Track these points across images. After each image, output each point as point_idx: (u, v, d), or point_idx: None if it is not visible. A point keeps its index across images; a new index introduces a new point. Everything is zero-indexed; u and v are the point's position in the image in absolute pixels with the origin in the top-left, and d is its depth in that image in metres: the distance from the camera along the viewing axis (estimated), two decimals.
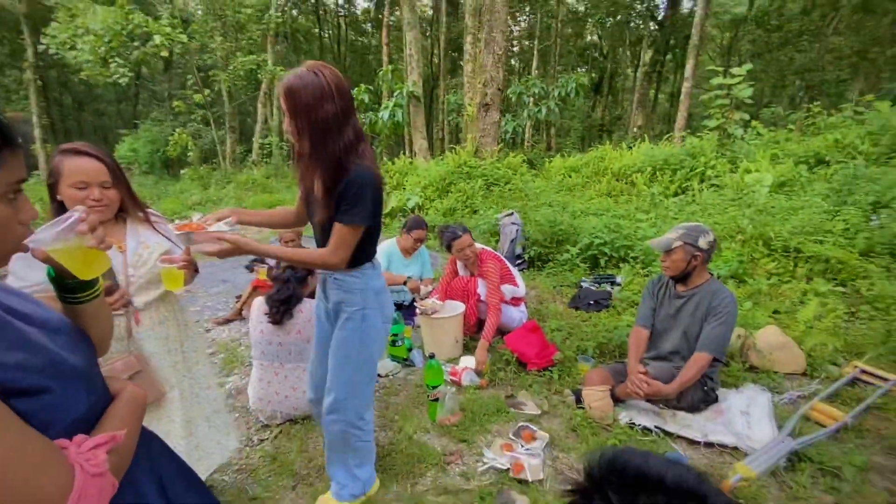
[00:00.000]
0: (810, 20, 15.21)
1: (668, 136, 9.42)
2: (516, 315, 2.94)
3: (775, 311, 2.92)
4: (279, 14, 11.52)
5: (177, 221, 1.39)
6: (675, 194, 5.65)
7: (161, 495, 0.83)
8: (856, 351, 2.50)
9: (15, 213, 0.66)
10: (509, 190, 6.49)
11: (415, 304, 3.05)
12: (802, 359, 2.42)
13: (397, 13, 15.33)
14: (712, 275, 2.24)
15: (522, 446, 1.97)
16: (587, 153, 8.09)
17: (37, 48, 12.53)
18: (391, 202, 6.70)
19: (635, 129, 14.93)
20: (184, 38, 9.17)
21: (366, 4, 23.25)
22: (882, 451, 1.87)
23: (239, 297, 3.89)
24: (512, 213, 4.63)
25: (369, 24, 24.58)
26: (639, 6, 15.80)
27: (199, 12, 10.89)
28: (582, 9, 18.44)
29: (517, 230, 4.48)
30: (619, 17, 15.80)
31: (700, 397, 2.14)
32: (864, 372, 2.27)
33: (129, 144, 14.12)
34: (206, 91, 12.61)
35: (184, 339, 1.57)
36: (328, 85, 1.29)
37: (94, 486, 0.61)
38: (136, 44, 8.95)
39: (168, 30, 8.85)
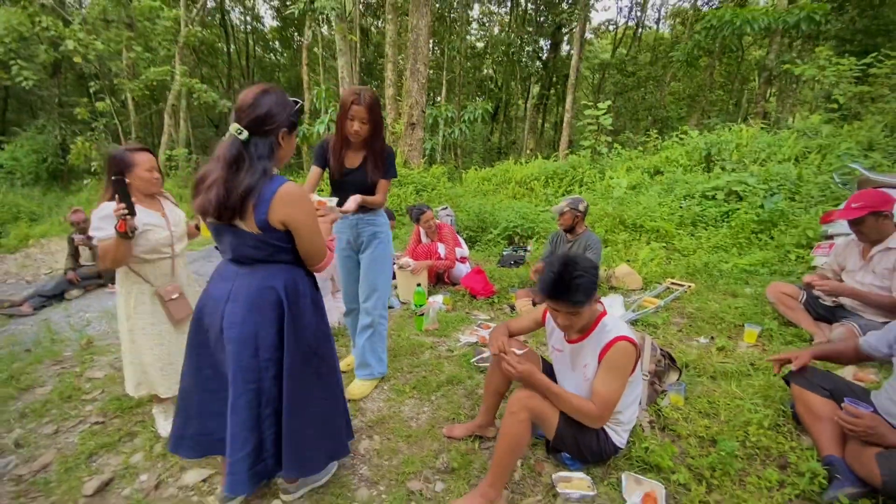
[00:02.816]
0: (655, 69, 19.20)
1: (554, 155, 11.51)
2: (463, 269, 4.08)
3: (627, 259, 4.46)
4: (198, 29, 11.60)
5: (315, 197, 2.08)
6: (563, 195, 7.34)
7: None
8: (670, 275, 4.07)
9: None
10: (436, 195, 7.70)
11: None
12: (640, 280, 3.92)
13: (307, 34, 15.97)
14: (587, 227, 3.61)
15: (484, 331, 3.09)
16: (495, 167, 9.70)
17: None
18: None
19: (528, 152, 17.31)
20: (99, 45, 8.96)
21: (274, 23, 23.40)
22: (677, 315, 3.32)
23: None
24: (446, 207, 5.81)
25: (277, 42, 24.65)
26: (528, 48, 18.51)
27: (112, 19, 10.50)
28: (481, 45, 20.90)
29: (451, 220, 5.65)
30: (512, 56, 18.32)
31: None
32: (672, 283, 3.80)
33: (9, 153, 12.63)
34: (110, 100, 12.05)
35: (193, 280, 2.39)
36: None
37: (332, 255, 1.59)
38: (43, 47, 8.49)
39: (81, 35, 8.61)
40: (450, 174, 10.69)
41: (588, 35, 18.84)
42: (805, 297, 2.86)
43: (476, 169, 9.87)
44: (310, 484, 1.86)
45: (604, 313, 1.78)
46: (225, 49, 20.58)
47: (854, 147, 5.59)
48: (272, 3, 21.81)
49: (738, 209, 4.76)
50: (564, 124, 13.60)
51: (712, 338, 2.91)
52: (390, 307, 3.75)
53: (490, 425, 2.12)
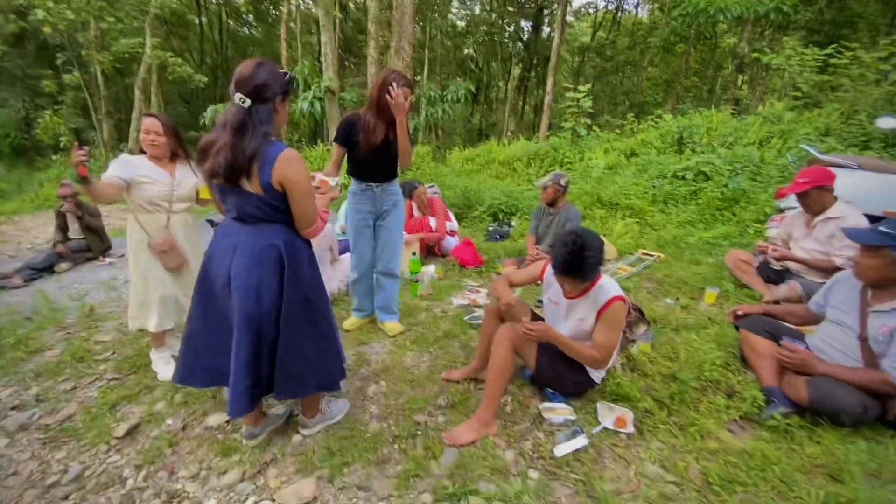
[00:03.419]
0: (633, 54, 19.56)
1: (535, 136, 11.77)
2: (453, 242, 4.33)
3: (604, 233, 4.80)
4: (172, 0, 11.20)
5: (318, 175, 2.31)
6: (544, 175, 7.64)
7: None
8: (641, 247, 4.42)
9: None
10: (421, 173, 7.88)
11: None
12: (615, 251, 4.26)
13: (282, 9, 15.61)
14: (567, 201, 3.89)
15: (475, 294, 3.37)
16: (478, 147, 9.91)
17: None
18: None
19: (509, 133, 17.52)
20: (70, 14, 8.61)
21: None
22: (647, 280, 3.68)
23: None
24: (433, 185, 6.01)
25: (251, 16, 23.84)
26: (509, 29, 18.57)
27: None
28: (463, 24, 20.79)
29: (438, 197, 5.86)
30: (493, 37, 18.35)
31: None
32: (644, 253, 4.16)
33: None
34: (80, 73, 11.60)
35: (199, 235, 2.61)
36: None
37: (322, 226, 1.80)
38: (13, 17, 8.10)
39: (51, 4, 8.26)
40: (433, 154, 10.84)
41: (569, 18, 18.97)
42: (758, 262, 3.23)
43: (460, 149, 10.04)
44: (326, 421, 2.11)
45: (600, 275, 2.06)
46: (196, 21, 19.82)
47: (812, 132, 6.04)
48: None
49: (705, 188, 5.14)
50: (545, 106, 13.83)
51: (677, 299, 3.26)
52: None
53: (484, 368, 2.39)
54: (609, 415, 2.01)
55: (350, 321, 3.00)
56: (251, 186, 1.58)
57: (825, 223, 2.87)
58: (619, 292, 1.98)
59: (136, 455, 2.02)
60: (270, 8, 22.30)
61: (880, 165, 3.36)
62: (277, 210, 1.65)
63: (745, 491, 1.63)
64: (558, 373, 2.07)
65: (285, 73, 1.66)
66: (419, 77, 17.78)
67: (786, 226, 3.15)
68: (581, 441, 1.87)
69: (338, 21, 17.15)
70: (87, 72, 12.80)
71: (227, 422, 2.21)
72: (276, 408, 2.19)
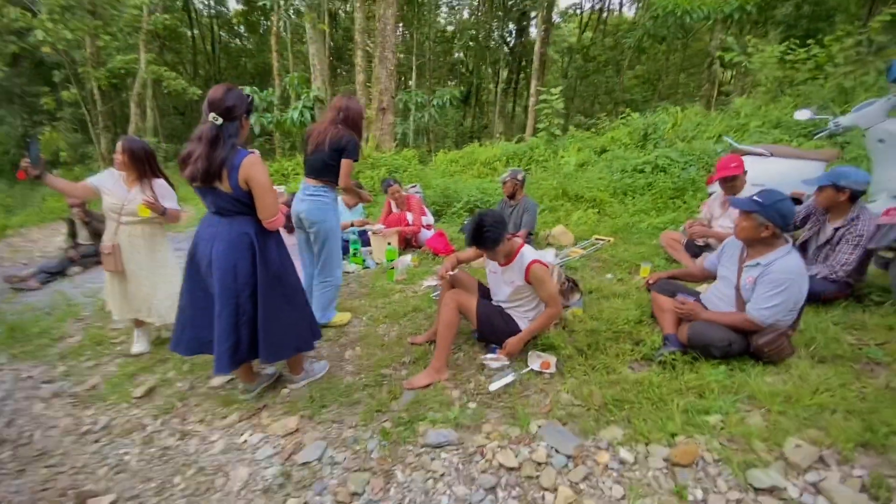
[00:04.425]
0: (615, 53, 20.10)
1: (519, 136, 12.26)
2: (428, 235, 4.80)
3: (565, 223, 5.28)
4: (165, 17, 11.68)
5: None
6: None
7: None
8: (597, 233, 4.90)
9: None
10: (406, 175, 8.36)
11: (366, 234, 4.74)
12: (572, 237, 4.73)
13: (272, 20, 16.05)
14: (525, 194, 4.36)
15: None
16: (462, 150, 10.39)
17: None
18: None
19: (498, 135, 17.99)
20: (68, 34, 9.07)
21: (238, 7, 23.07)
22: (595, 261, 4.14)
23: None
24: (416, 185, 6.48)
25: (242, 27, 24.34)
26: (495, 33, 19.07)
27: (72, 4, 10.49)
28: (450, 29, 21.32)
29: (420, 196, 6.33)
30: (481, 41, 18.83)
31: None
32: (597, 238, 4.63)
33: None
34: (76, 89, 12.06)
35: (148, 248, 2.96)
36: None
37: (282, 218, 2.23)
38: (12, 38, 8.56)
39: (50, 25, 8.73)
40: (421, 157, 11.33)
41: (556, 19, 19.47)
42: (686, 240, 3.71)
43: (445, 151, 10.53)
44: (309, 378, 2.58)
45: (522, 245, 2.54)
46: (189, 34, 20.32)
47: (763, 125, 6.53)
48: None
49: (659, 179, 5.63)
50: (530, 108, 14.32)
51: (615, 274, 3.74)
52: (366, 267, 4.44)
53: None
54: (536, 360, 2.48)
55: (344, 315, 3.26)
56: (223, 187, 2.00)
57: None
58: (535, 257, 2.46)
59: (153, 409, 2.48)
60: (261, 19, 22.79)
61: (789, 152, 3.84)
62: (246, 205, 2.06)
63: (630, 407, 2.10)
64: (497, 331, 2.54)
65: (248, 96, 2.09)
66: (410, 83, 18.27)
67: (707, 208, 3.63)
68: (510, 377, 2.34)
69: (327, 32, 17.60)
70: (84, 88, 13.26)
71: (229, 381, 2.67)
72: (267, 369, 2.65)
